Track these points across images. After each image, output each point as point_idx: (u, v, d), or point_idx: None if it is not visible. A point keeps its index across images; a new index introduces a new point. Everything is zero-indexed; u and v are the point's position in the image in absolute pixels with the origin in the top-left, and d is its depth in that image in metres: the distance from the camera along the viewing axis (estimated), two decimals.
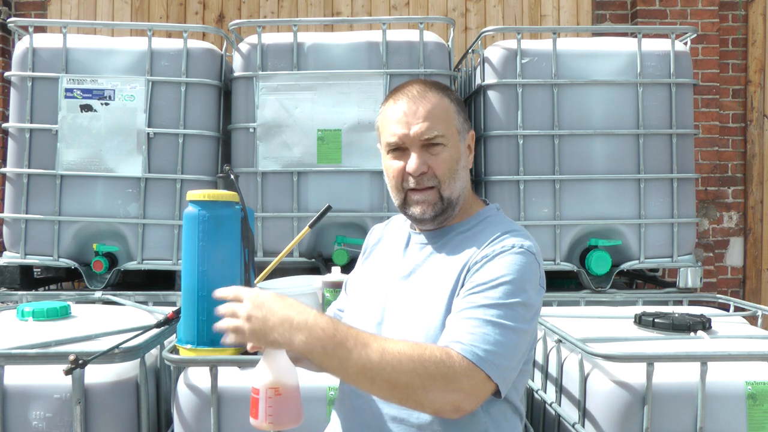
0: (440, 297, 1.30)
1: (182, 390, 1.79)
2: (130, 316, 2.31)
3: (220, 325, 1.19)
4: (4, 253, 3.10)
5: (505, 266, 1.25)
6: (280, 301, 1.18)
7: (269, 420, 1.18)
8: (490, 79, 3.13)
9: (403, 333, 1.30)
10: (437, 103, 1.35)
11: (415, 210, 1.36)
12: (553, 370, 2.09)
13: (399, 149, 1.35)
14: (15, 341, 1.86)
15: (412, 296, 1.34)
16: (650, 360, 1.72)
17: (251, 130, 3.05)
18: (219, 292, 1.23)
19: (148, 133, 3.02)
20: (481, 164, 3.17)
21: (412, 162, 1.33)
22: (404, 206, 1.39)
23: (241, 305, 1.18)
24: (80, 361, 1.62)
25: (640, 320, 2.13)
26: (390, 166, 1.38)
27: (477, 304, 1.21)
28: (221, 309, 1.20)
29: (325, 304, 1.93)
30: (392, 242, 1.48)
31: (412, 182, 1.34)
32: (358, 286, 1.49)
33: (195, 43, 3.14)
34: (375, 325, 1.37)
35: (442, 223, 1.39)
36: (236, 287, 1.22)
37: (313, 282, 1.99)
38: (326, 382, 1.75)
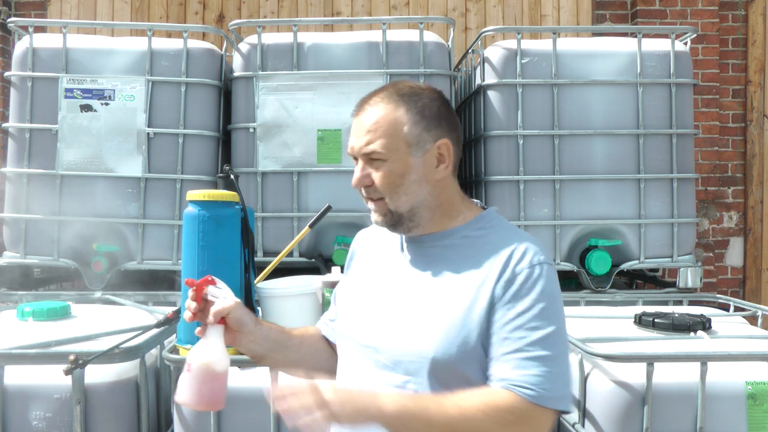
0: (458, 301, 1.28)
1: None
2: (130, 316, 2.31)
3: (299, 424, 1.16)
4: (4, 253, 3.10)
5: (540, 288, 1.26)
6: (353, 398, 1.19)
7: (189, 398, 1.22)
8: (490, 79, 3.12)
9: (411, 341, 1.28)
10: (384, 115, 1.31)
11: (372, 219, 1.38)
12: None
13: (356, 159, 1.36)
14: (15, 341, 1.86)
15: (418, 301, 1.31)
16: (650, 360, 1.72)
17: (251, 130, 3.05)
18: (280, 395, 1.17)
19: (148, 133, 3.02)
20: (481, 164, 3.17)
21: (355, 174, 1.34)
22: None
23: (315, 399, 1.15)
24: (80, 361, 1.62)
25: (640, 320, 2.14)
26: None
27: (529, 341, 1.23)
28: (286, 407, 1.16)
29: (325, 304, 1.93)
30: (385, 246, 1.45)
31: (363, 192, 1.35)
32: (352, 294, 1.45)
33: (195, 43, 3.14)
34: (376, 333, 1.34)
35: (412, 231, 1.36)
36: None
37: (313, 282, 1.99)
38: None
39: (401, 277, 1.37)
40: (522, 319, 1.24)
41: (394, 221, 1.34)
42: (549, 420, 1.21)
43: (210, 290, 1.28)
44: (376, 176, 1.31)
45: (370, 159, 1.31)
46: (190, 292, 1.28)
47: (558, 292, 1.31)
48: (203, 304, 1.28)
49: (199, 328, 1.29)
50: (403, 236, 1.41)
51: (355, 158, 1.35)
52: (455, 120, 1.38)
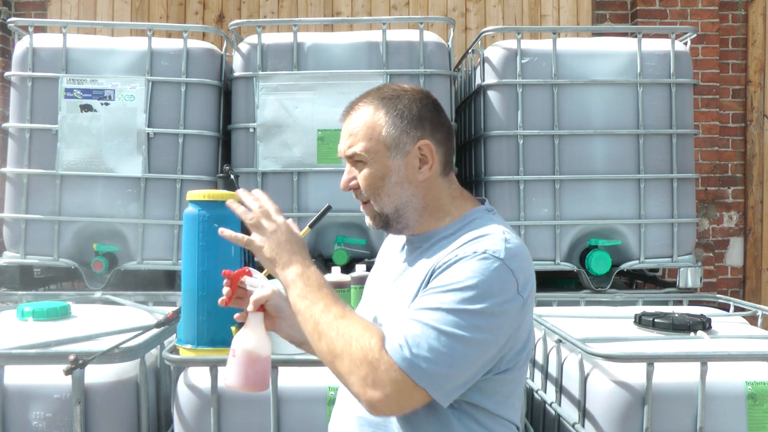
0: (405, 300, 1.27)
1: (182, 390, 1.79)
2: (130, 316, 2.31)
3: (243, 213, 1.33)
4: (4, 253, 3.10)
5: (464, 272, 1.18)
6: (299, 240, 1.31)
7: (236, 381, 1.30)
8: (490, 79, 3.12)
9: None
10: (364, 118, 1.32)
11: (366, 220, 1.40)
12: (553, 370, 2.09)
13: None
14: (15, 341, 1.86)
15: (392, 301, 1.34)
16: (650, 360, 1.72)
17: (251, 130, 3.05)
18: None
19: (148, 133, 3.02)
20: (481, 164, 3.17)
21: (342, 177, 1.38)
22: None
23: (274, 217, 1.34)
24: (80, 361, 1.62)
25: (640, 320, 2.14)
26: None
27: (426, 307, 1.16)
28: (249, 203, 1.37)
29: None
30: (393, 251, 1.48)
31: (353, 195, 1.39)
32: (365, 300, 1.49)
33: (195, 43, 3.14)
34: None
35: (403, 231, 1.37)
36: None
37: None
38: (326, 382, 1.75)
39: (390, 278, 1.40)
40: (436, 290, 1.18)
41: (383, 223, 1.36)
42: (399, 390, 1.11)
43: (247, 281, 1.35)
44: (359, 178, 1.34)
45: (354, 161, 1.34)
46: (226, 281, 1.34)
47: (499, 284, 1.18)
48: (242, 292, 1.35)
49: (239, 314, 1.35)
50: (403, 239, 1.43)
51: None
52: (441, 120, 1.35)
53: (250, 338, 1.30)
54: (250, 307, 1.31)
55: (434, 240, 1.35)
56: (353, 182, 1.36)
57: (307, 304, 1.21)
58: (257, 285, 1.34)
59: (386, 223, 1.36)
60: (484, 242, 1.22)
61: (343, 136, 1.35)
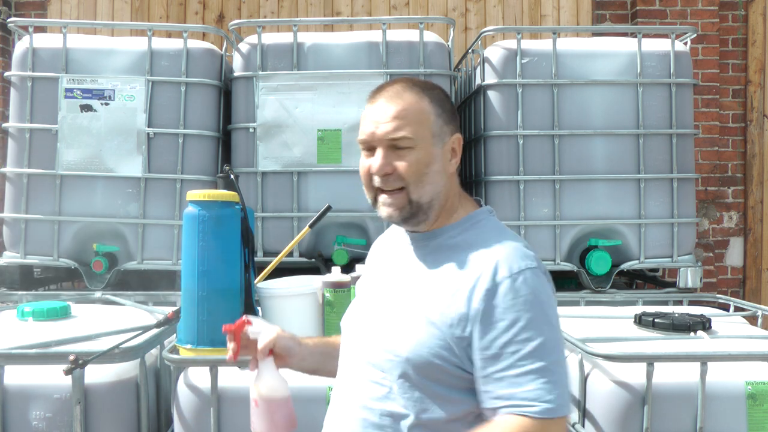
0: (432, 311, 1.26)
1: (182, 390, 1.79)
2: (130, 316, 2.31)
3: None
4: (4, 253, 3.10)
5: (523, 304, 1.21)
6: None
7: (264, 428, 1.34)
8: (490, 79, 3.12)
9: (387, 340, 1.28)
10: (412, 103, 1.31)
11: (383, 212, 1.34)
12: None
13: (369, 148, 1.33)
14: (15, 341, 1.86)
15: (406, 300, 1.32)
16: (650, 360, 1.72)
17: (251, 130, 3.05)
18: None
19: (148, 133, 3.02)
20: (481, 164, 3.17)
21: (376, 161, 1.30)
22: (375, 206, 1.36)
23: None
24: (80, 361, 1.63)
25: (640, 320, 2.14)
26: (361, 164, 1.35)
27: (517, 358, 1.19)
28: None
29: (325, 304, 1.93)
30: (392, 247, 1.46)
31: (377, 182, 1.31)
32: (360, 294, 1.48)
33: (195, 43, 3.14)
34: (366, 329, 1.36)
35: (418, 226, 1.35)
36: None
37: (313, 282, 1.99)
38: (326, 382, 1.75)
39: (395, 275, 1.39)
40: (510, 333, 1.19)
41: (410, 213, 1.31)
42: (561, 427, 1.19)
43: (249, 330, 1.36)
44: (401, 164, 1.29)
45: (396, 146, 1.30)
46: (228, 335, 1.36)
47: (546, 294, 1.26)
48: (246, 341, 1.36)
49: (250, 364, 1.37)
50: (403, 236, 1.42)
51: (369, 147, 1.32)
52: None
53: (268, 385, 1.34)
54: (260, 356, 1.34)
55: (440, 239, 1.35)
56: (389, 167, 1.30)
57: None
58: (259, 331, 1.35)
59: (413, 214, 1.32)
60: (517, 255, 1.26)
61: (382, 119, 1.30)
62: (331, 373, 1.47)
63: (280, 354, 1.37)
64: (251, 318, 1.38)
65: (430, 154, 1.31)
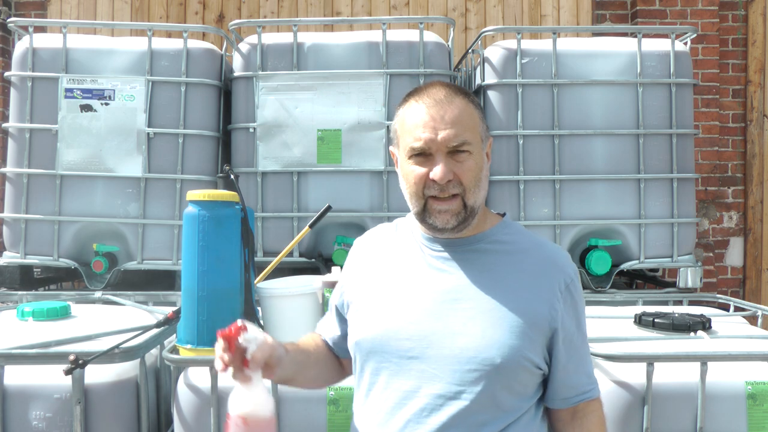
0: (519, 313, 1.28)
1: (182, 390, 1.79)
2: (130, 316, 2.31)
3: None
4: (4, 253, 3.10)
5: (582, 298, 1.38)
6: None
7: None
8: (490, 79, 3.12)
9: (471, 348, 1.26)
10: (464, 108, 1.30)
11: (437, 220, 1.30)
12: None
13: (422, 155, 1.29)
14: (15, 341, 1.86)
15: (475, 310, 1.28)
16: (650, 360, 1.72)
17: (251, 130, 3.05)
18: None
19: (148, 133, 3.02)
20: None
21: (439, 169, 1.27)
22: (423, 214, 1.32)
23: None
24: (80, 361, 1.63)
25: (640, 320, 2.13)
26: (411, 171, 1.30)
27: (586, 351, 1.41)
28: None
29: (324, 304, 1.93)
30: (403, 258, 1.39)
31: (435, 190, 1.28)
32: (373, 306, 1.37)
33: (195, 43, 3.14)
34: (423, 342, 1.28)
35: (460, 232, 1.33)
36: None
37: (313, 282, 1.99)
38: None
39: (441, 282, 1.33)
40: (581, 327, 1.36)
41: (464, 218, 1.31)
42: None
43: (243, 336, 1.21)
44: (461, 169, 1.29)
45: (456, 152, 1.28)
46: (223, 343, 1.20)
47: None
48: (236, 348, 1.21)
49: (234, 374, 1.20)
50: (425, 242, 1.37)
51: (422, 153, 1.29)
52: None
53: (258, 401, 1.19)
54: (253, 366, 1.20)
55: (487, 241, 1.36)
56: (450, 174, 1.28)
57: None
58: (251, 339, 1.21)
59: (466, 219, 1.31)
60: (566, 253, 1.40)
61: (443, 124, 1.28)
62: (305, 382, 1.42)
63: (271, 364, 1.25)
64: (246, 323, 1.23)
65: (482, 158, 1.33)
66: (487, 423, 1.25)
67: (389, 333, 1.31)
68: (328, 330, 1.52)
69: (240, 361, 1.20)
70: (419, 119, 1.29)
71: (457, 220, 1.30)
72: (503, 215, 1.44)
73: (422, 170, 1.29)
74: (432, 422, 1.25)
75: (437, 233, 1.34)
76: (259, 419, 1.18)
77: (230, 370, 1.20)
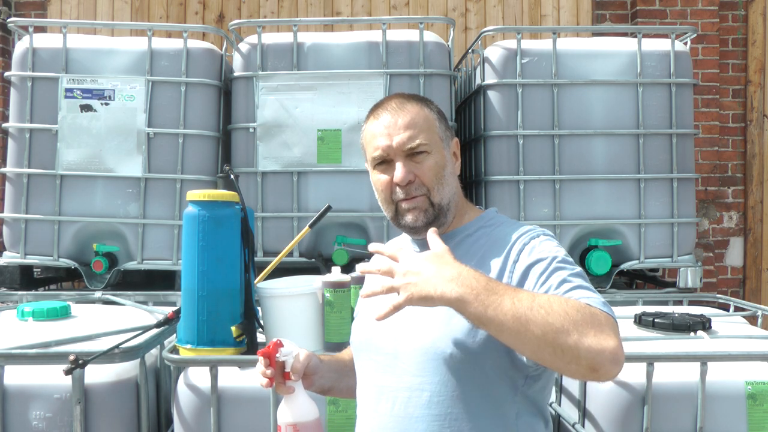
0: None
1: (182, 390, 1.79)
2: (130, 316, 2.31)
3: (372, 290, 1.17)
4: (4, 253, 3.10)
5: (552, 248, 1.27)
6: (434, 259, 1.16)
7: None
8: (490, 79, 3.12)
9: (425, 339, 1.27)
10: (417, 112, 1.36)
11: (407, 218, 1.35)
12: None
13: (384, 162, 1.36)
14: (15, 341, 1.86)
15: (435, 309, 1.24)
16: (650, 360, 1.72)
17: (251, 130, 3.05)
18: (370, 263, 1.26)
19: (148, 133, 3.02)
20: (481, 164, 3.17)
21: (398, 172, 1.33)
22: (396, 218, 1.37)
23: (396, 265, 1.16)
24: (80, 361, 1.63)
25: (640, 320, 2.14)
26: (378, 180, 1.37)
27: (566, 275, 1.21)
28: (379, 269, 1.18)
29: (325, 304, 1.93)
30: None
31: (400, 193, 1.34)
32: (367, 309, 1.43)
33: (195, 43, 3.14)
34: (394, 338, 1.32)
35: (440, 226, 1.36)
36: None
37: (313, 282, 1.98)
38: None
39: None
40: (549, 265, 1.23)
41: (433, 216, 1.35)
42: (619, 336, 1.13)
43: (281, 352, 1.32)
44: (421, 170, 1.34)
45: (413, 154, 1.34)
46: (264, 360, 1.31)
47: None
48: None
49: (279, 388, 1.32)
50: (410, 245, 1.43)
51: (384, 161, 1.35)
52: None
53: (303, 409, 1.31)
54: (295, 378, 1.31)
55: (458, 239, 1.37)
56: (411, 175, 1.33)
57: (490, 310, 1.08)
58: (287, 353, 1.33)
59: (436, 216, 1.35)
60: (541, 230, 1.33)
61: (394, 131, 1.34)
62: (343, 391, 1.48)
63: (308, 373, 1.37)
64: (282, 339, 1.35)
65: (443, 157, 1.37)
66: (456, 416, 1.24)
67: (372, 332, 1.37)
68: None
69: (281, 375, 1.32)
70: (376, 130, 1.37)
71: (426, 217, 1.35)
72: (487, 211, 1.45)
73: (386, 177, 1.36)
74: (404, 414, 1.28)
75: (414, 233, 1.40)
76: (307, 423, 1.30)
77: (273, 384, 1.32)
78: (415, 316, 1.30)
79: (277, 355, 1.31)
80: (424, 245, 1.36)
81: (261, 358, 1.32)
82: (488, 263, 1.30)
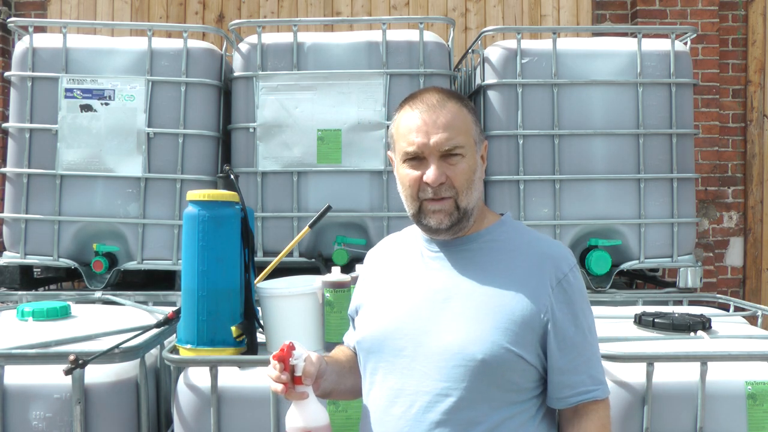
0: (508, 309, 1.29)
1: (182, 390, 1.79)
2: (130, 316, 2.31)
3: None
4: (4, 253, 3.10)
5: (582, 293, 1.35)
6: None
7: None
8: (490, 79, 3.12)
9: (456, 345, 1.27)
10: (457, 113, 1.33)
11: (431, 220, 1.34)
12: None
13: (416, 158, 1.33)
14: (15, 341, 1.86)
15: (464, 307, 1.30)
16: (650, 360, 1.72)
17: (251, 130, 3.05)
18: None
19: (148, 133, 3.02)
20: None
21: (431, 172, 1.30)
22: (419, 215, 1.35)
23: None
24: (80, 361, 1.63)
25: (640, 320, 2.14)
26: (406, 175, 1.34)
27: (587, 349, 1.34)
28: None
29: (325, 304, 1.93)
30: (402, 258, 1.44)
31: (429, 192, 1.32)
32: (376, 309, 1.42)
33: (195, 43, 3.14)
34: (412, 341, 1.31)
35: (458, 233, 1.36)
36: None
37: (313, 282, 1.98)
38: None
39: (434, 282, 1.36)
40: (580, 325, 1.32)
41: (457, 219, 1.34)
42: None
43: (293, 355, 1.28)
44: (454, 172, 1.32)
45: (448, 155, 1.32)
46: (278, 365, 1.26)
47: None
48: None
49: (288, 393, 1.27)
50: (424, 244, 1.41)
51: (416, 157, 1.33)
52: None
53: (315, 414, 1.28)
54: (307, 382, 1.26)
55: (482, 241, 1.37)
56: (443, 176, 1.32)
57: None
58: (299, 356, 1.27)
59: (460, 220, 1.34)
60: (566, 249, 1.39)
61: (436, 128, 1.31)
62: (341, 394, 1.46)
63: (317, 377, 1.33)
64: (293, 342, 1.30)
65: (475, 161, 1.36)
66: (479, 420, 1.25)
67: (385, 332, 1.35)
68: (351, 340, 1.56)
69: (291, 379, 1.27)
70: (412, 124, 1.33)
71: (451, 221, 1.33)
72: (504, 215, 1.46)
73: (416, 173, 1.33)
74: (423, 419, 1.27)
75: (433, 234, 1.38)
76: (319, 429, 1.27)
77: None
78: (436, 314, 1.31)
79: (291, 359, 1.26)
80: (441, 245, 1.38)
81: (275, 362, 1.26)
82: (519, 271, 1.32)
